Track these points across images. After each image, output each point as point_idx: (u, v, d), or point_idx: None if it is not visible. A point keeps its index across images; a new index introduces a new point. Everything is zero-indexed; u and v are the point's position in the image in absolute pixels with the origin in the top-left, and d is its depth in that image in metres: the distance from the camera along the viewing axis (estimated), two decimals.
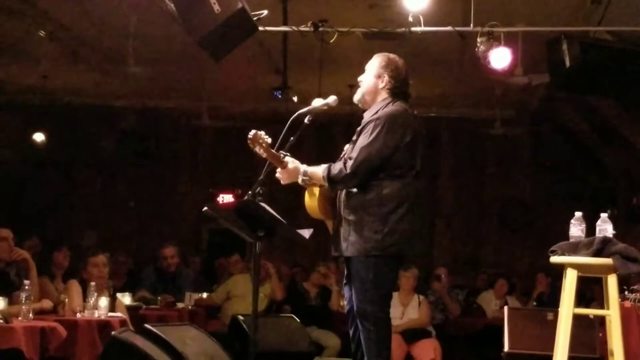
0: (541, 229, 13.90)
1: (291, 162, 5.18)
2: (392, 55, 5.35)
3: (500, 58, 8.01)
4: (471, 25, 7.88)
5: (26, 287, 6.29)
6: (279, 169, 5.19)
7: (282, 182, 5.26)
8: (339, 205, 5.18)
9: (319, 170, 5.13)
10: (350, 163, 5.02)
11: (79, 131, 15.18)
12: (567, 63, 7.75)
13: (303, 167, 5.18)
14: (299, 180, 5.19)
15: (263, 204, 4.95)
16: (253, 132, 5.02)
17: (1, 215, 13.77)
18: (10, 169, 15.11)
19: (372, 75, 5.28)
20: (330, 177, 5.06)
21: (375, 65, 5.31)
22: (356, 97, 5.33)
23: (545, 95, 11.80)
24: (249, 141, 5.01)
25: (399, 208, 5.03)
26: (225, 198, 14.84)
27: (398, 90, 5.26)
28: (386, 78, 5.24)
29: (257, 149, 5.04)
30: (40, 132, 13.58)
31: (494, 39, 7.92)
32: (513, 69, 8.42)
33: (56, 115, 14.37)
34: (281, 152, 5.13)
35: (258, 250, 5.03)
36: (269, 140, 5.04)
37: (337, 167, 5.07)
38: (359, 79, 5.35)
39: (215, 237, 15.04)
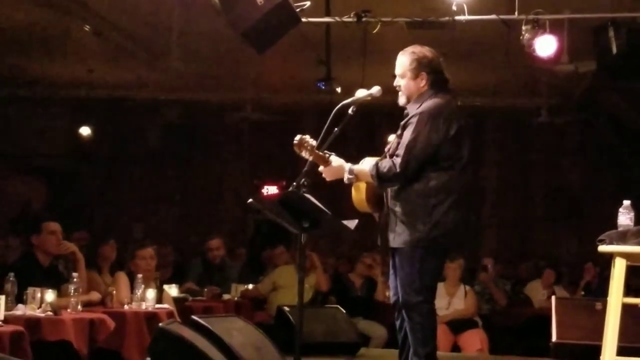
0: (589, 217, 13.75)
1: (335, 159, 5.17)
2: (416, 49, 5.26)
3: (545, 46, 7.92)
4: (516, 13, 7.81)
5: (74, 280, 6.34)
6: (321, 167, 5.18)
7: (326, 179, 5.25)
8: (386, 197, 5.17)
9: (366, 167, 5.11)
10: (398, 161, 4.98)
11: (124, 125, 15.31)
12: (614, 50, 7.66)
13: (348, 165, 5.15)
14: (345, 179, 5.16)
15: (307, 195, 4.95)
16: (298, 137, 5.02)
17: (49, 209, 13.98)
18: (57, 162, 15.28)
19: (410, 79, 5.19)
20: (379, 176, 5.03)
21: (406, 66, 5.21)
22: (401, 102, 5.27)
23: (592, 82, 11.65)
24: (294, 147, 5.00)
25: (446, 200, 5.02)
26: (270, 189, 14.88)
27: (438, 81, 5.21)
28: (425, 75, 5.18)
29: (302, 153, 5.04)
30: (86, 126, 13.71)
31: (539, 27, 7.83)
32: (559, 56, 8.33)
33: (102, 109, 14.51)
34: (326, 152, 5.11)
35: (303, 242, 5.04)
36: (314, 142, 5.03)
37: (385, 165, 5.03)
38: (395, 83, 5.26)
39: (261, 229, 15.10)
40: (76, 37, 10.65)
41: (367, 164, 5.12)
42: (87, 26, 9.93)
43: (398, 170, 4.98)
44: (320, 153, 5.08)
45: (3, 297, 5.38)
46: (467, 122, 5.19)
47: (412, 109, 5.15)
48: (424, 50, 5.25)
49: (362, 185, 5.21)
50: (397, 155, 5.02)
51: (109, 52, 11.33)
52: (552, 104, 13.07)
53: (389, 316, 7.52)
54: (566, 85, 12.07)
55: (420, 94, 5.19)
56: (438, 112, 5.05)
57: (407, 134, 5.04)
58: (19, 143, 14.74)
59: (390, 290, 5.39)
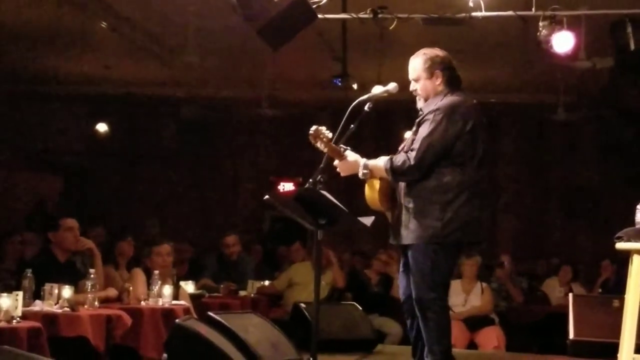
0: (606, 214, 13.68)
1: (350, 154, 5.17)
2: (427, 50, 5.26)
3: (563, 42, 7.88)
4: (533, 9, 7.78)
5: (92, 276, 6.37)
6: (337, 161, 5.18)
7: (341, 174, 5.24)
8: (399, 194, 5.16)
9: (380, 162, 5.11)
10: (413, 155, 4.98)
11: (140, 121, 15.34)
12: (632, 46, 7.62)
13: (363, 160, 5.16)
14: (359, 174, 5.17)
15: (324, 192, 4.95)
16: (314, 127, 5.03)
17: (65, 205, 14.03)
18: (74, 159, 15.34)
19: (425, 79, 5.20)
20: (393, 169, 5.03)
21: (419, 68, 5.21)
22: (420, 105, 5.27)
23: (609, 79, 11.60)
24: (310, 137, 5.02)
25: (460, 196, 5.00)
26: (286, 186, 14.88)
27: (452, 79, 5.21)
28: (439, 73, 5.18)
29: (318, 144, 5.04)
30: (103, 123, 13.75)
31: (556, 23, 7.80)
32: (576, 53, 8.29)
33: (118, 105, 14.55)
34: (341, 146, 5.12)
35: (319, 238, 5.04)
36: (330, 135, 5.03)
37: (399, 158, 5.04)
38: (412, 88, 5.27)
39: (277, 225, 15.10)
40: (93, 34, 10.67)
41: (381, 159, 5.12)
42: (104, 23, 9.95)
43: (412, 163, 4.97)
44: (336, 147, 5.09)
45: (21, 293, 5.40)
46: (483, 119, 5.18)
47: (428, 108, 5.15)
48: (435, 50, 5.26)
49: (376, 183, 5.20)
50: (412, 150, 5.02)
51: (125, 49, 11.35)
52: (569, 100, 13.00)
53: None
54: (583, 81, 12.01)
55: (436, 93, 5.18)
56: (454, 108, 5.05)
57: (423, 130, 5.04)
58: (36, 140, 14.80)
59: (400, 289, 5.38)
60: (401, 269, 5.29)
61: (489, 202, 5.23)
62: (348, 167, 5.19)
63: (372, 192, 5.24)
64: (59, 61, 12.52)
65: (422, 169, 5.00)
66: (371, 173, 5.16)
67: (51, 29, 10.75)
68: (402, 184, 5.14)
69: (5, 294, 5.13)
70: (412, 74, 5.25)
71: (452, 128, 5.00)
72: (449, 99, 5.11)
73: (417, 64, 5.23)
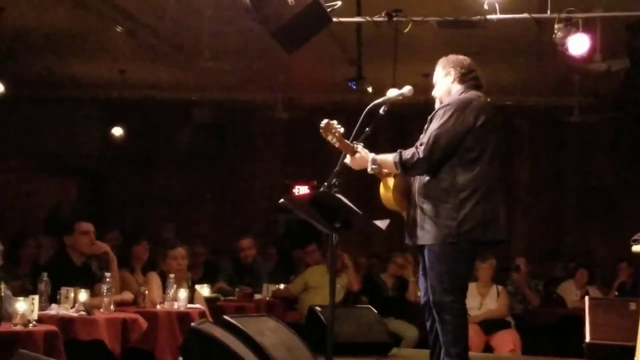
0: (622, 217, 13.61)
1: (360, 150, 5.18)
2: (450, 55, 5.34)
3: (578, 44, 7.86)
4: (548, 11, 7.76)
5: (107, 280, 6.38)
6: (348, 157, 5.19)
7: (353, 168, 5.26)
8: (414, 194, 5.16)
9: (390, 157, 5.12)
10: (422, 148, 5.00)
11: (156, 125, 15.37)
12: None
13: (372, 155, 5.18)
14: (368, 169, 5.18)
15: (339, 195, 4.95)
16: (325, 121, 5.04)
17: (81, 209, 14.07)
18: (89, 163, 15.38)
19: (441, 78, 5.27)
20: (402, 162, 5.04)
21: (439, 69, 5.32)
22: (438, 106, 5.29)
23: (625, 80, 11.55)
24: (321, 130, 5.03)
25: (474, 195, 5.00)
26: (301, 189, 14.87)
27: (467, 78, 5.22)
28: (452, 71, 5.23)
29: (329, 138, 5.06)
30: (118, 127, 13.77)
31: (571, 25, 7.78)
32: (591, 55, 8.26)
33: (134, 109, 14.57)
34: (354, 142, 5.13)
35: (334, 242, 5.03)
36: (342, 129, 5.05)
37: (409, 152, 5.06)
38: (434, 93, 5.34)
39: (292, 228, 15.09)
40: (108, 38, 10.71)
41: (391, 154, 5.13)
42: (120, 27, 9.99)
43: (421, 155, 4.98)
44: (348, 142, 5.10)
45: (37, 297, 5.42)
46: (496, 117, 5.17)
47: (441, 104, 5.18)
48: (458, 56, 5.33)
49: (390, 182, 5.21)
50: (421, 144, 5.03)
51: (141, 53, 11.38)
52: (585, 102, 12.97)
53: (420, 316, 7.49)
54: (599, 83, 11.97)
55: (450, 91, 5.21)
56: (465, 103, 5.08)
57: (433, 124, 5.07)
58: (51, 144, 14.84)
59: (420, 291, 5.37)
60: (420, 272, 5.28)
61: (505, 199, 5.20)
62: (358, 162, 5.21)
63: (386, 191, 5.25)
64: (74, 65, 12.56)
65: (431, 162, 5.00)
66: (380, 168, 5.17)
67: (67, 33, 10.79)
68: (416, 184, 5.15)
69: (21, 298, 5.15)
70: (434, 78, 5.34)
71: (462, 122, 5.01)
72: (462, 96, 5.14)
73: (437, 67, 5.33)
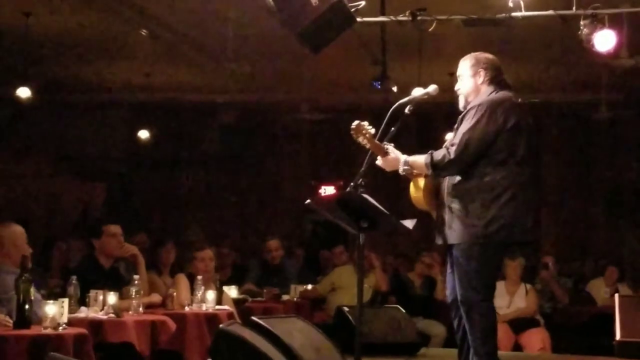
0: None
1: (391, 151, 5.18)
2: (477, 53, 5.32)
3: (604, 41, 7.79)
4: (573, 8, 7.71)
5: (136, 282, 6.39)
6: (379, 158, 5.20)
7: (385, 169, 5.26)
8: (443, 194, 5.15)
9: (421, 158, 5.12)
10: (453, 149, 4.99)
11: (181, 127, 15.43)
12: None
13: (404, 157, 5.19)
14: (400, 170, 5.19)
15: (365, 195, 4.95)
16: (356, 122, 5.05)
17: (108, 212, 14.15)
18: (116, 166, 15.47)
19: (468, 76, 5.26)
20: (434, 164, 5.04)
21: (466, 67, 5.29)
22: (461, 105, 5.30)
23: None
24: (352, 131, 5.04)
25: (503, 195, 4.99)
26: (327, 190, 14.87)
27: (497, 79, 5.21)
28: (482, 72, 5.21)
29: (360, 139, 5.07)
30: (144, 129, 13.84)
31: (597, 22, 7.72)
32: (618, 51, 8.20)
33: (160, 112, 14.64)
34: (385, 143, 5.13)
35: (361, 242, 5.03)
36: (372, 130, 5.05)
37: (440, 153, 5.05)
38: (456, 87, 5.34)
39: (318, 229, 15.11)
40: (133, 42, 10.77)
41: (422, 155, 5.13)
42: (144, 31, 10.03)
43: (452, 157, 4.98)
44: (378, 143, 5.10)
45: (66, 300, 5.44)
46: (527, 119, 5.16)
47: (471, 105, 5.16)
48: (486, 54, 5.31)
49: (421, 182, 5.21)
50: (452, 145, 5.02)
51: (166, 56, 11.43)
52: (612, 98, 12.88)
53: (448, 315, 7.48)
54: (625, 79, 11.89)
55: (479, 92, 5.19)
56: (497, 105, 5.06)
57: (465, 125, 5.06)
58: (78, 147, 14.95)
59: (447, 289, 5.36)
60: (448, 270, 5.27)
61: (534, 201, 5.18)
62: (389, 164, 5.22)
63: (417, 191, 5.26)
64: (100, 69, 12.64)
65: (462, 163, 4.99)
66: (411, 169, 5.17)
67: (92, 37, 10.86)
68: (445, 184, 5.14)
69: (51, 301, 5.17)
70: (458, 72, 5.32)
71: (493, 124, 5.00)
72: (493, 96, 5.13)
73: (464, 63, 5.30)
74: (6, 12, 9.76)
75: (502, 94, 5.15)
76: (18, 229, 5.76)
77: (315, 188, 14.99)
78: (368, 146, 5.09)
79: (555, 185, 14.77)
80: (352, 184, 4.96)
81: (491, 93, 5.15)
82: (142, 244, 9.00)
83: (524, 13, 7.77)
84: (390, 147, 5.19)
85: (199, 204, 15.59)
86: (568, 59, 10.70)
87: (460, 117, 5.17)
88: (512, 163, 5.03)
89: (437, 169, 5.07)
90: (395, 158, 5.19)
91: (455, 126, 5.17)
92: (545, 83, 12.83)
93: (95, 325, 5.75)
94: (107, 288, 6.17)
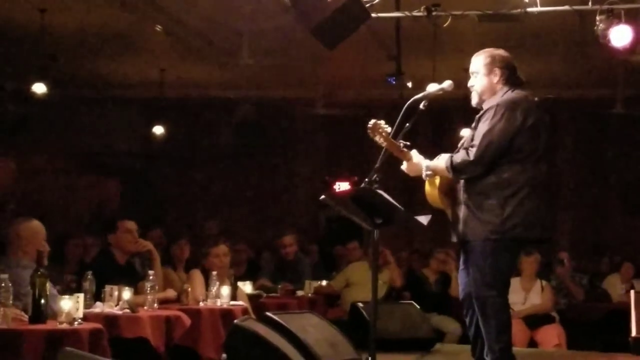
0: None
1: (415, 156, 5.22)
2: (491, 49, 5.30)
3: (621, 36, 7.75)
4: (590, 3, 7.68)
5: (151, 278, 6.41)
6: (404, 163, 5.23)
7: (409, 174, 5.28)
8: (459, 191, 5.15)
9: (441, 162, 5.14)
10: (473, 151, 4.98)
11: (196, 123, 15.46)
12: None
13: (425, 162, 5.20)
14: (423, 175, 5.20)
15: (380, 191, 4.95)
16: (373, 121, 5.05)
17: (123, 208, 14.19)
18: (131, 162, 15.50)
19: (483, 75, 5.23)
20: (454, 167, 5.05)
21: (480, 64, 5.26)
22: (474, 102, 5.30)
23: None
24: (368, 130, 5.04)
25: (519, 192, 4.99)
26: (342, 186, 14.84)
27: (512, 77, 5.20)
28: (498, 71, 5.20)
29: (376, 138, 5.07)
30: (159, 125, 13.86)
31: (614, 17, 7.68)
32: (634, 46, 8.16)
33: (174, 108, 14.66)
34: (401, 141, 5.13)
35: (376, 238, 5.03)
36: (389, 129, 5.06)
37: (459, 156, 5.06)
38: (469, 84, 5.31)
39: (333, 225, 15.09)
40: (148, 37, 10.78)
41: (442, 159, 5.13)
42: (159, 26, 10.04)
43: (472, 159, 4.98)
44: (395, 141, 5.10)
45: (82, 295, 5.46)
46: (544, 117, 5.16)
47: (489, 104, 5.14)
48: (498, 50, 5.29)
49: (436, 180, 5.22)
50: (472, 146, 5.01)
51: (180, 52, 11.44)
52: (628, 94, 12.82)
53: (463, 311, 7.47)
54: None
55: (494, 91, 5.18)
56: (515, 104, 5.06)
57: (483, 126, 5.04)
58: (93, 143, 14.98)
59: (460, 286, 5.36)
60: (461, 266, 5.27)
61: (551, 199, 5.18)
62: (414, 169, 5.25)
63: (432, 189, 5.26)
64: (115, 65, 12.66)
65: (483, 165, 4.99)
66: (433, 173, 5.18)
67: (107, 33, 10.88)
68: (462, 181, 5.14)
69: (67, 296, 5.19)
70: (471, 68, 5.29)
71: (512, 123, 4.99)
72: (510, 95, 5.12)
73: (478, 59, 5.28)
74: (22, 8, 9.79)
75: (518, 92, 5.14)
76: (38, 225, 5.77)
77: (330, 184, 14.98)
78: (385, 145, 5.09)
79: (570, 181, 14.72)
80: (366, 179, 4.96)
81: (507, 92, 5.14)
82: (156, 240, 9.03)
83: (539, 8, 7.75)
84: (414, 152, 5.20)
85: (213, 199, 15.61)
86: (584, 54, 10.65)
87: (477, 116, 5.16)
88: (529, 161, 5.04)
89: (458, 172, 5.08)
90: (418, 163, 5.21)
91: (473, 125, 5.16)
92: (560, 79, 12.78)
93: (110, 321, 5.77)
94: (123, 283, 6.18)
